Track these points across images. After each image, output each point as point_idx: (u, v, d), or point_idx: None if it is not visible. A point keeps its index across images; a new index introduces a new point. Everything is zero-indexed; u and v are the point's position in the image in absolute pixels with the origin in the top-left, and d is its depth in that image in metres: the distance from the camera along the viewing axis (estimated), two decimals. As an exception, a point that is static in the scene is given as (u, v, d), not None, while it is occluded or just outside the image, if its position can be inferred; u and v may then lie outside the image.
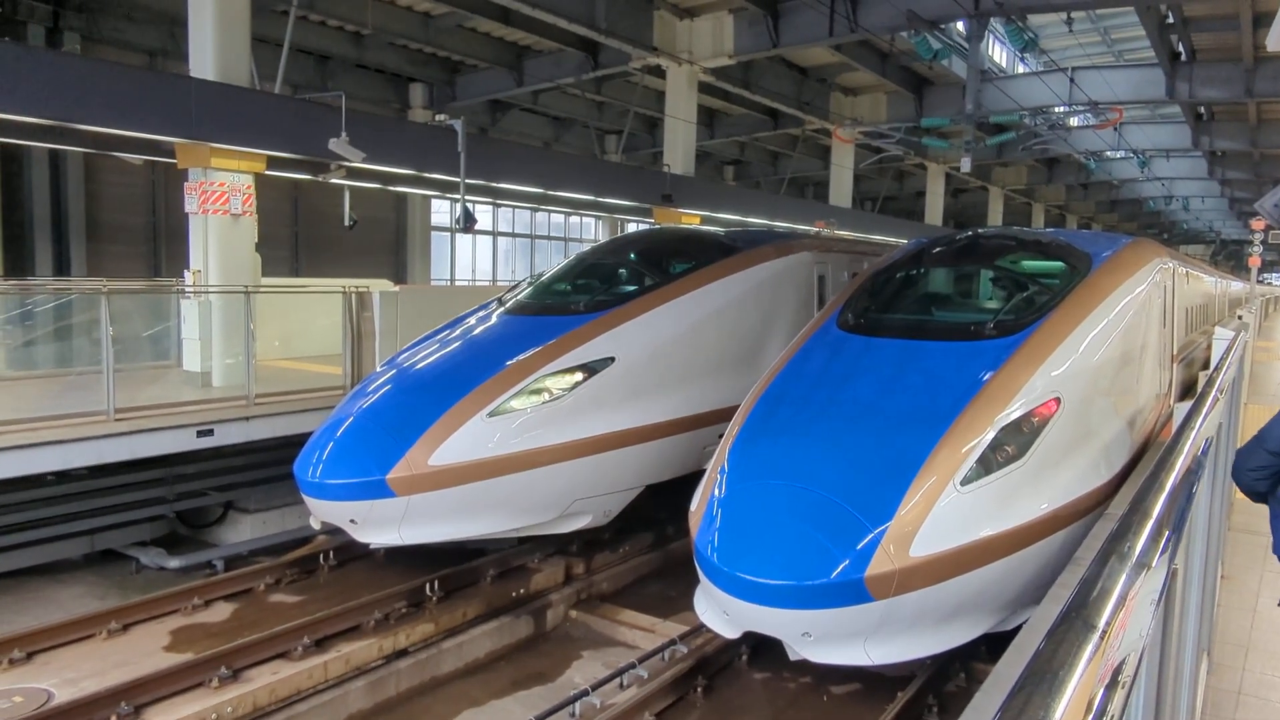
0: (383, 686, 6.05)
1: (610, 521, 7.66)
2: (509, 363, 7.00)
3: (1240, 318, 12.48)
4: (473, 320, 8.07)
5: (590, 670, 6.48)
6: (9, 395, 9.04)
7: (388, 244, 21.21)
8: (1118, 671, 1.35)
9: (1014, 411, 5.36)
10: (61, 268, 14.55)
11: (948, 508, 4.87)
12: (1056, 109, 19.01)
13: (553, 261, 22.86)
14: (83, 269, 14.82)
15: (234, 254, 10.19)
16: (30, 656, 5.91)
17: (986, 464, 5.10)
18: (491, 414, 6.68)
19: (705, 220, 18.28)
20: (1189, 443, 2.65)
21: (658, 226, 16.41)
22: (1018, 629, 4.12)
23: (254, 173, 10.28)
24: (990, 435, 5.19)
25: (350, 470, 6.45)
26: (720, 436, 6.23)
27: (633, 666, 6.03)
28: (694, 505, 5.57)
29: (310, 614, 6.42)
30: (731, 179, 31.66)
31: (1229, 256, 58.36)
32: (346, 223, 15.38)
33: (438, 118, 12.85)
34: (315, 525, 7.06)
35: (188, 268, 10.55)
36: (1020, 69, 23.84)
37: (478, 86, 19.68)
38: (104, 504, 8.13)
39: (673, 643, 6.36)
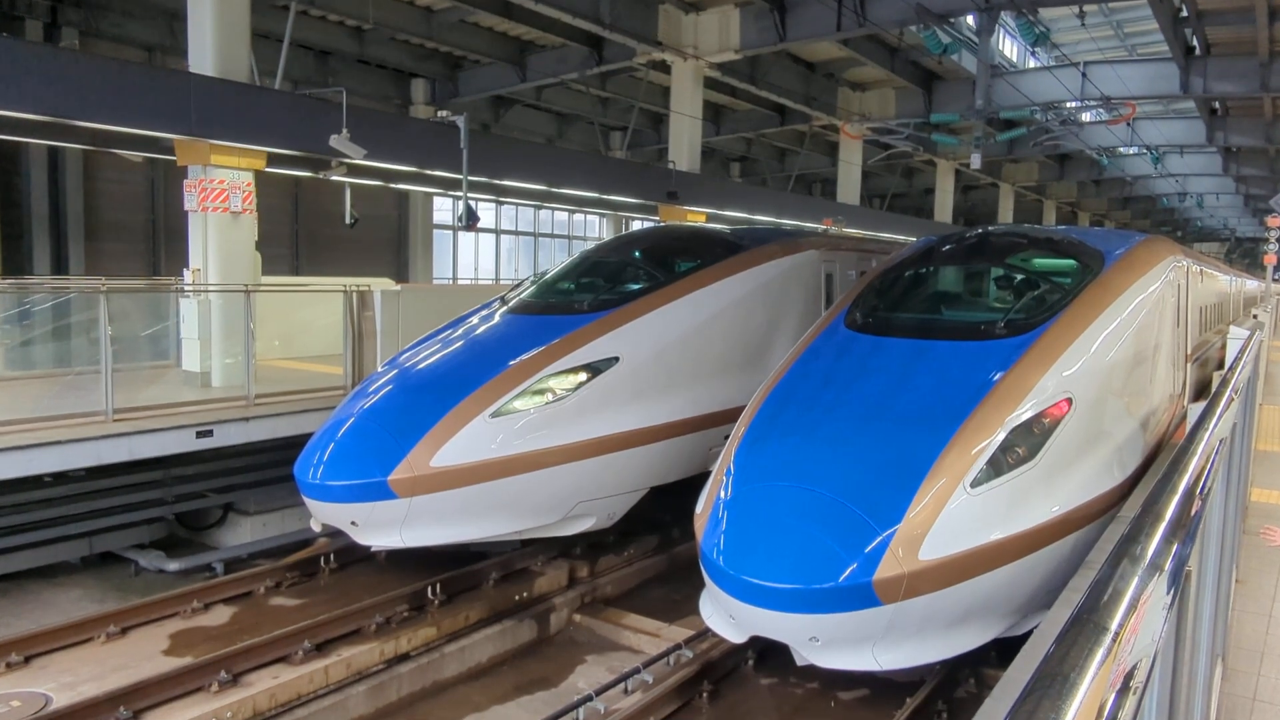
0: (384, 691, 6.01)
1: (615, 524, 7.61)
2: (512, 363, 6.95)
3: (1255, 317, 12.36)
4: (475, 320, 8.03)
5: (594, 675, 6.44)
6: (7, 395, 9.01)
7: (389, 242, 21.19)
8: (1129, 676, 1.32)
9: (1025, 412, 5.30)
10: (60, 266, 14.58)
11: (957, 510, 4.82)
12: (1068, 104, 18.86)
13: (556, 260, 22.85)
14: (81, 268, 14.84)
15: (234, 252, 10.16)
16: (28, 660, 5.88)
17: (997, 466, 5.05)
18: (494, 414, 6.64)
19: (711, 218, 18.19)
20: (1203, 444, 2.62)
21: (663, 224, 16.36)
22: (1029, 634, 4.03)
23: (254, 170, 10.24)
24: (1001, 436, 5.13)
25: (351, 472, 6.42)
26: (726, 437, 6.18)
27: (637, 671, 5.99)
28: (699, 507, 5.53)
29: (311, 617, 6.38)
30: (738, 176, 31.59)
31: (1244, 254, 58.03)
32: (348, 220, 15.36)
33: (440, 114, 12.74)
34: (316, 527, 7.04)
35: (187, 266, 10.52)
36: (1031, 64, 23.69)
37: (480, 82, 19.64)
38: (102, 506, 8.10)
39: (678, 647, 6.31)
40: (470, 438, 6.51)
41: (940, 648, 4.97)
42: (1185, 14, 16.28)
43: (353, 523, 6.52)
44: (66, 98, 8.36)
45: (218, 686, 5.47)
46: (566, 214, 26.50)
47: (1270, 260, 26.62)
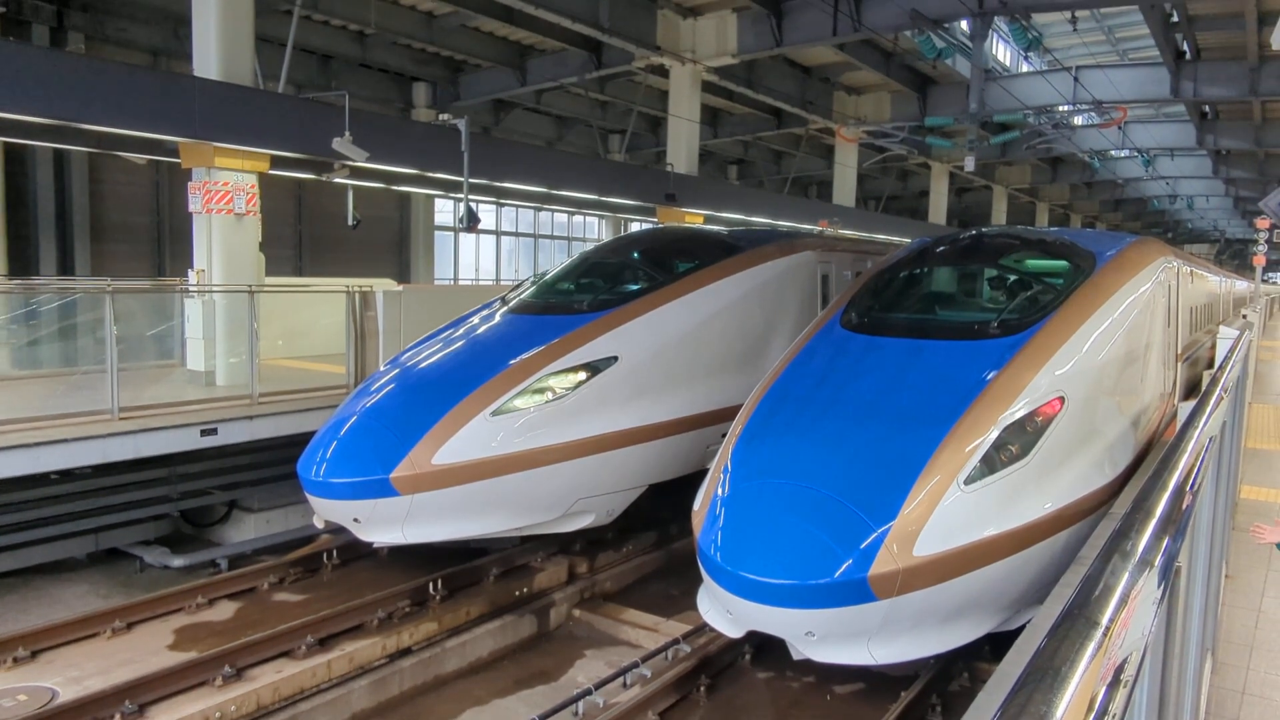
0: (386, 685, 6.07)
1: (613, 521, 7.66)
2: (512, 362, 7.00)
3: (1245, 317, 12.45)
4: (476, 319, 8.08)
5: (593, 669, 6.49)
6: (14, 394, 9.06)
7: (391, 243, 21.23)
8: (1120, 670, 1.34)
9: (1018, 411, 5.35)
10: (66, 267, 14.59)
11: (951, 507, 4.87)
12: (1061, 108, 18.96)
13: (556, 261, 22.90)
14: (87, 268, 14.84)
15: (238, 253, 10.21)
16: (35, 655, 5.94)
17: (990, 463, 5.10)
18: (495, 413, 6.68)
19: (709, 220, 18.27)
20: (1192, 442, 2.65)
21: (661, 226, 16.42)
22: (1022, 629, 4.11)
23: (258, 172, 10.29)
24: (994, 434, 5.19)
25: (354, 469, 6.46)
26: (723, 436, 6.23)
27: (636, 666, 6.04)
28: (697, 504, 5.58)
29: (314, 613, 6.43)
30: (735, 178, 31.64)
31: (1233, 255, 58.27)
32: (350, 222, 15.42)
33: (441, 117, 12.84)
34: (319, 524, 7.07)
35: (191, 267, 10.57)
36: (1024, 68, 23.76)
37: (481, 86, 19.69)
38: (108, 503, 8.15)
39: (676, 642, 6.36)
40: (471, 436, 6.55)
41: (935, 642, 5.02)
42: (1176, 19, 16.40)
43: (355, 519, 6.56)
44: (72, 101, 8.42)
45: (222, 681, 5.52)
46: (566, 216, 26.54)
47: (1259, 261, 26.82)
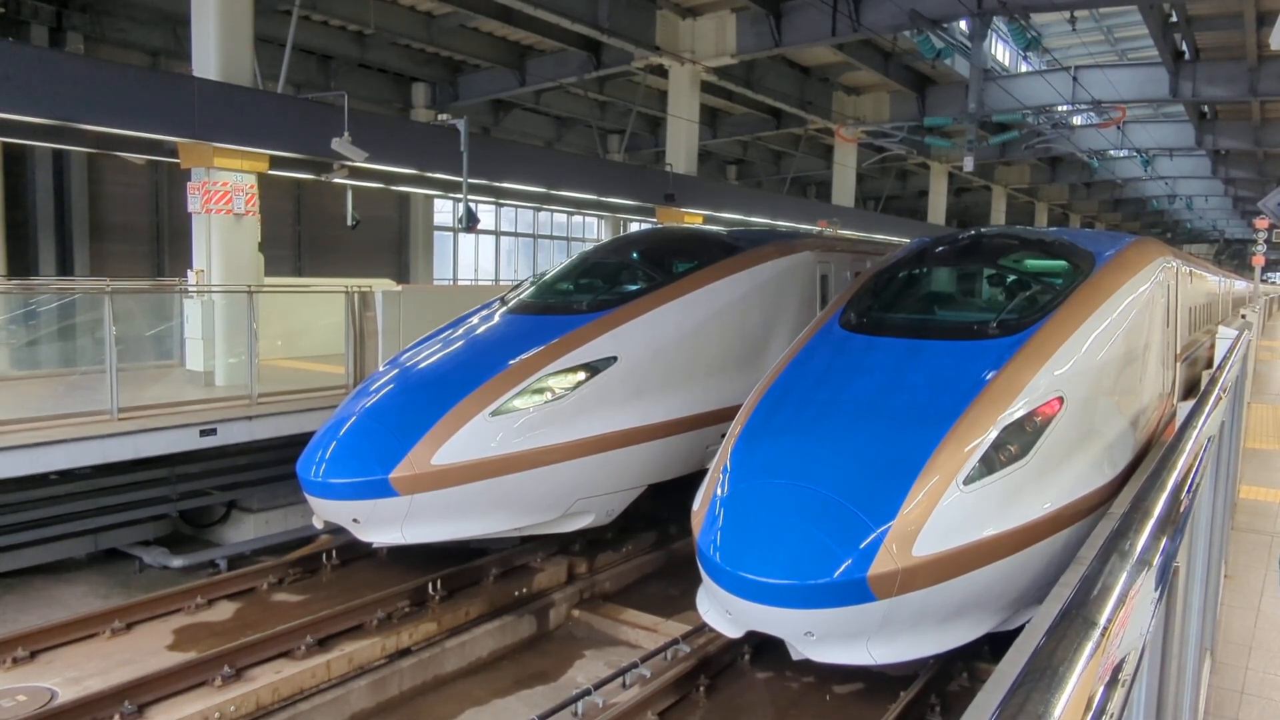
0: (385, 686, 6.07)
1: (613, 521, 7.67)
2: (511, 362, 7.01)
3: (1244, 317, 12.46)
4: (475, 320, 8.09)
5: (593, 669, 6.50)
6: (13, 395, 9.06)
7: (390, 243, 21.24)
8: (1118, 669, 1.34)
9: (1017, 411, 5.36)
10: (65, 267, 14.59)
11: (950, 507, 4.88)
12: (1060, 108, 18.98)
13: (555, 261, 22.89)
14: (86, 269, 14.85)
15: (237, 253, 10.21)
16: (34, 655, 5.94)
17: (989, 463, 5.11)
18: (494, 413, 6.69)
19: (708, 220, 18.27)
20: (1191, 441, 2.65)
21: (660, 226, 16.42)
22: (1021, 628, 4.11)
23: (257, 172, 10.29)
24: (993, 434, 5.20)
25: (353, 469, 6.47)
26: (723, 436, 6.24)
27: (635, 666, 6.05)
28: (696, 505, 5.59)
29: (313, 613, 6.44)
30: (734, 178, 31.65)
31: (1232, 255, 58.33)
32: (349, 222, 15.41)
33: (440, 117, 12.84)
34: (318, 524, 7.08)
35: (191, 267, 10.57)
36: (1023, 68, 23.79)
37: (480, 86, 19.70)
38: (108, 503, 8.14)
39: (675, 642, 6.37)
40: (470, 436, 6.56)
41: (934, 642, 5.03)
42: (1175, 19, 16.43)
43: (354, 520, 6.57)
44: (71, 101, 8.41)
45: (221, 681, 5.52)
46: (565, 216, 26.55)
47: (1258, 261, 26.87)
